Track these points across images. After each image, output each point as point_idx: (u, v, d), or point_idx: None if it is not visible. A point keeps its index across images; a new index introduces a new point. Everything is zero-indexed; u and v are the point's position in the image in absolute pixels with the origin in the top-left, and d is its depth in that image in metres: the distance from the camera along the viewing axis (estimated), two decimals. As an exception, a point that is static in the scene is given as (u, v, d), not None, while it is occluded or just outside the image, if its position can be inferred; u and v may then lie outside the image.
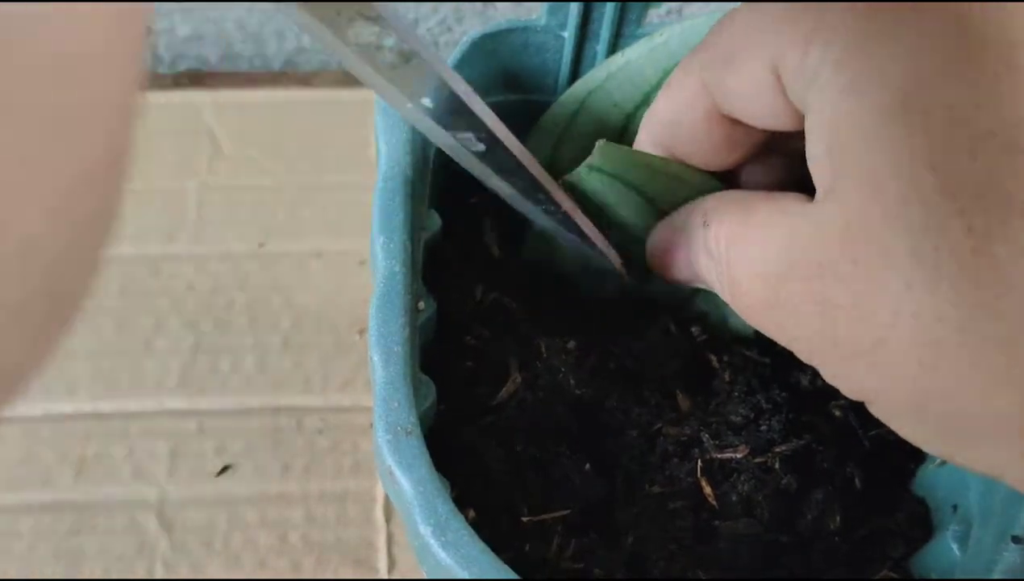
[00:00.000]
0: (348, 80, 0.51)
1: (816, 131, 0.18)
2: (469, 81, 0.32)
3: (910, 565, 0.26)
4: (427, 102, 0.22)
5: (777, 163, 0.24)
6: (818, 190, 0.18)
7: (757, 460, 0.26)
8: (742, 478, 0.26)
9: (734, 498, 0.26)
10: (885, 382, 0.18)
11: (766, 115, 0.20)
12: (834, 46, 0.17)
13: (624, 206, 0.25)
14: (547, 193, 0.25)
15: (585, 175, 0.24)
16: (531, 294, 0.29)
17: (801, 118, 0.19)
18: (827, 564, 0.26)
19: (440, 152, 0.32)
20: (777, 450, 0.27)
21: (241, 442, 0.36)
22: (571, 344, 0.28)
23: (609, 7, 0.31)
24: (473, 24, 0.52)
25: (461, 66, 0.31)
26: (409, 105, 0.22)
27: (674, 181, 0.24)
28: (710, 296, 0.27)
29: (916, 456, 0.28)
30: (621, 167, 0.24)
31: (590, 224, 0.26)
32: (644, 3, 0.31)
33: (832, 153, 0.17)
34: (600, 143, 0.24)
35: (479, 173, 0.25)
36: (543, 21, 0.31)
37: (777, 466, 0.26)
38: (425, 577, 0.22)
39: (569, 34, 0.31)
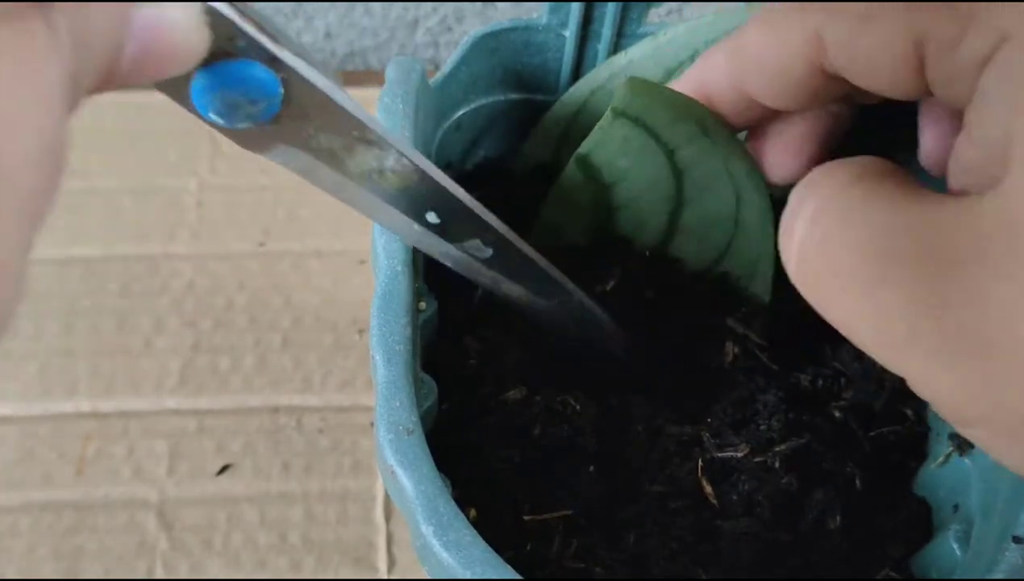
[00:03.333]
0: (348, 79, 0.50)
1: (987, 118, 0.17)
2: (470, 80, 0.32)
3: (911, 565, 0.26)
4: (432, 218, 0.22)
5: (817, 114, 0.23)
6: (966, 174, 0.17)
7: (757, 459, 0.26)
8: (742, 477, 0.26)
9: (734, 497, 0.26)
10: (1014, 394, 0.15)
11: (886, 82, 0.19)
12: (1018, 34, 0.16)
13: (643, 167, 0.25)
14: (559, 284, 0.25)
15: (609, 125, 0.24)
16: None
17: (923, 91, 0.18)
18: (828, 564, 0.26)
19: (440, 149, 0.32)
20: (777, 449, 0.27)
21: (241, 441, 0.36)
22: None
23: (610, 6, 0.31)
24: (473, 24, 0.52)
25: (462, 65, 0.31)
26: (416, 227, 0.22)
27: (696, 129, 0.24)
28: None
29: (917, 455, 0.28)
30: (647, 105, 0.24)
31: (598, 309, 0.26)
32: (645, 3, 0.31)
33: (1013, 143, 0.16)
34: (630, 77, 0.24)
35: (489, 282, 0.25)
36: (544, 20, 0.31)
37: (777, 465, 0.26)
38: (426, 576, 0.22)
39: (570, 33, 0.31)
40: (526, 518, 0.25)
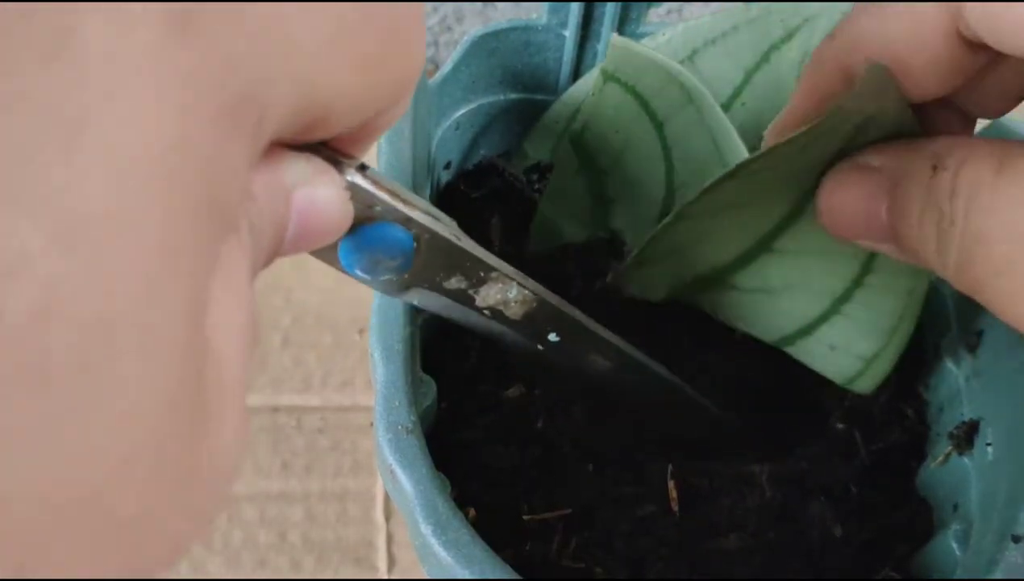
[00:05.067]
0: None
1: None
2: (470, 79, 0.32)
3: (911, 564, 0.26)
4: (553, 337, 0.24)
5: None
6: None
7: (744, 475, 0.27)
8: (740, 491, 0.26)
9: (725, 510, 0.26)
10: None
11: None
12: None
13: (635, 145, 0.25)
14: (670, 382, 0.26)
15: (600, 90, 0.24)
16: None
17: None
18: (829, 565, 0.26)
19: (440, 149, 0.32)
20: (772, 466, 0.27)
21: (241, 441, 0.36)
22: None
23: (610, 7, 0.31)
24: (473, 24, 0.52)
25: (461, 65, 0.31)
26: (539, 347, 0.24)
27: (682, 94, 0.24)
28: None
29: (917, 455, 0.28)
30: (636, 67, 0.24)
31: (701, 398, 0.27)
32: (645, 3, 0.31)
33: None
34: (614, 38, 0.24)
35: (614, 394, 0.26)
36: (544, 20, 0.31)
37: (765, 479, 0.26)
38: (425, 575, 0.22)
39: (570, 33, 0.31)
40: (525, 518, 0.25)
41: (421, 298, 0.21)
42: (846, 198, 0.21)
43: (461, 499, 0.23)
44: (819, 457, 0.27)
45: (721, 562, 0.25)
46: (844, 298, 0.25)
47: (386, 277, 0.19)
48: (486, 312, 0.22)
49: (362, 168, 0.16)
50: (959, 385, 0.28)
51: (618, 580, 0.25)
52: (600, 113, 0.25)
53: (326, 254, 0.18)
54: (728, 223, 0.24)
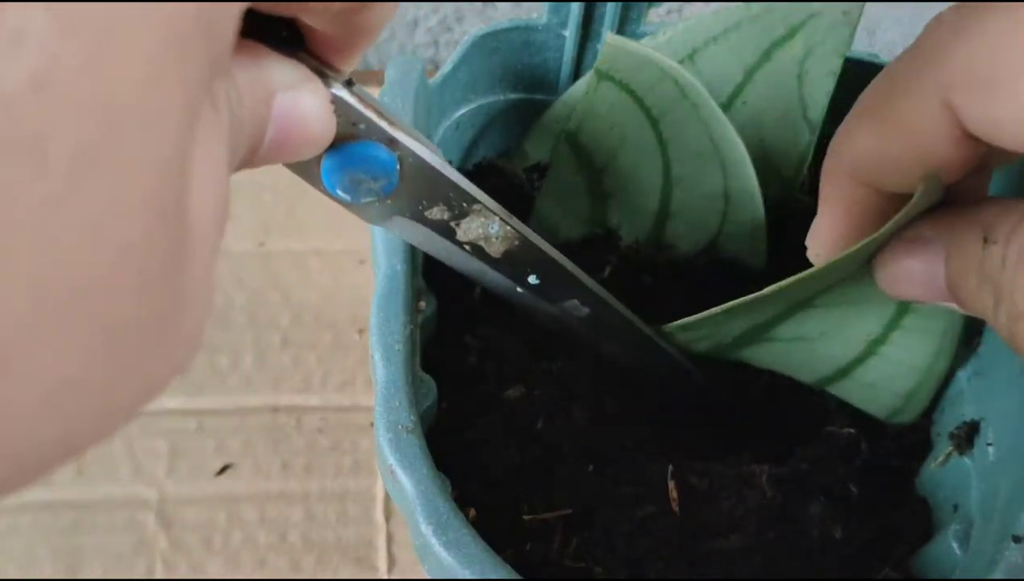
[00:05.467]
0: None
1: None
2: (470, 79, 0.32)
3: (911, 564, 0.26)
4: (533, 279, 0.23)
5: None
6: None
7: (746, 478, 0.26)
8: (733, 494, 0.26)
9: (724, 512, 0.26)
10: None
11: None
12: None
13: (631, 142, 0.25)
14: (653, 340, 0.26)
15: (595, 90, 0.24)
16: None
17: None
18: (829, 565, 0.26)
19: (440, 148, 0.32)
20: (772, 467, 0.27)
21: (240, 441, 0.36)
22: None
23: (610, 6, 0.31)
24: (473, 24, 0.52)
25: (462, 65, 0.31)
26: (519, 290, 0.23)
27: (676, 90, 0.24)
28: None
29: (918, 456, 0.28)
30: (630, 65, 0.24)
31: (687, 362, 0.27)
32: (646, 2, 0.31)
33: None
34: (608, 36, 0.24)
35: (587, 342, 0.26)
36: (544, 20, 0.31)
37: (765, 481, 0.26)
38: (425, 575, 0.22)
39: (570, 33, 0.31)
40: (526, 518, 0.25)
41: (403, 229, 0.21)
42: (904, 269, 0.21)
43: (461, 499, 0.23)
44: (819, 457, 0.27)
45: (721, 562, 0.25)
46: (880, 341, 0.26)
47: (367, 200, 0.19)
48: (467, 247, 0.22)
49: (349, 83, 0.16)
50: (961, 385, 0.28)
51: (618, 580, 0.25)
52: (595, 112, 0.25)
53: (308, 171, 0.18)
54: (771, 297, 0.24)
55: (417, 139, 0.18)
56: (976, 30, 0.17)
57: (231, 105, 0.13)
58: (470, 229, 0.21)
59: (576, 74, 0.32)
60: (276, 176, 0.44)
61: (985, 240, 0.18)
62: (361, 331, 0.40)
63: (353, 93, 0.16)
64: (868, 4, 0.26)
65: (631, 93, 0.25)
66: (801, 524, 0.26)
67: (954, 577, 0.25)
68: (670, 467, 0.26)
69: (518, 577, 0.20)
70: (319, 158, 0.17)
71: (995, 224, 0.18)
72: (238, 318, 0.40)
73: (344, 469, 0.36)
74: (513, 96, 0.33)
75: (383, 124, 0.17)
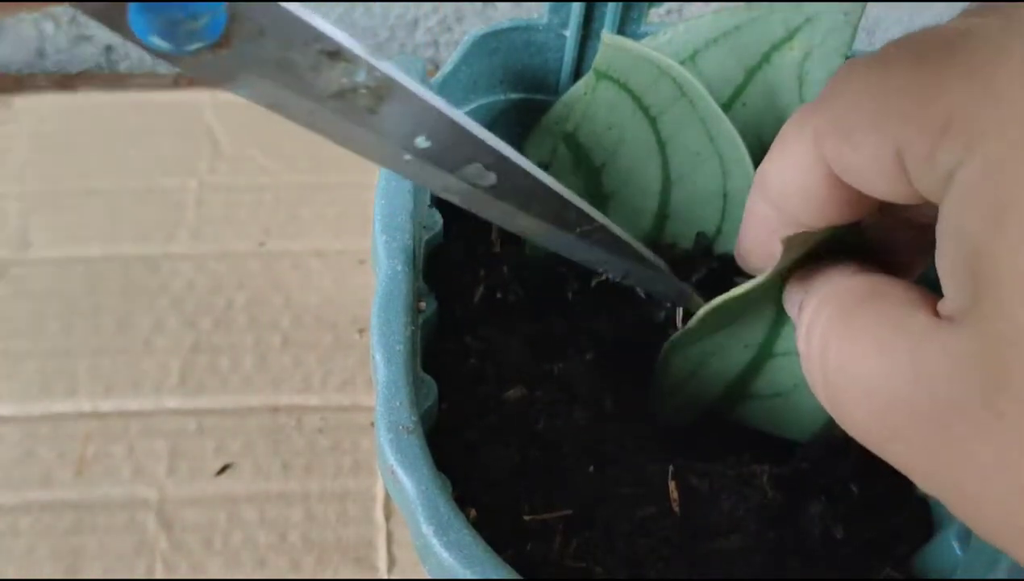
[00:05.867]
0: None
1: (951, 238, 0.15)
2: (470, 80, 0.32)
3: (912, 564, 0.26)
4: (422, 142, 0.19)
5: (889, 223, 0.21)
6: (947, 301, 0.16)
7: (747, 477, 0.26)
8: (733, 494, 0.26)
9: (724, 511, 0.26)
10: None
11: (888, 193, 0.17)
12: (978, 152, 0.14)
13: (630, 141, 0.25)
14: (578, 210, 0.23)
15: (593, 89, 0.24)
16: (534, 290, 0.29)
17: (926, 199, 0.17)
18: (830, 565, 0.26)
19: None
20: (773, 467, 0.27)
21: (241, 441, 0.36)
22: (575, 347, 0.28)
23: (611, 6, 0.31)
24: (473, 24, 0.52)
25: (462, 65, 0.31)
26: (406, 157, 0.20)
27: (675, 88, 0.24)
28: None
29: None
30: (628, 64, 0.24)
31: (626, 235, 0.24)
32: (646, 3, 0.31)
33: (971, 270, 0.14)
34: (605, 36, 0.24)
35: (501, 216, 0.23)
36: (545, 20, 0.31)
37: (766, 481, 0.26)
38: (426, 576, 0.22)
39: (571, 33, 0.31)
40: (526, 518, 0.25)
41: (252, 89, 0.17)
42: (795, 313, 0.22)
43: (462, 500, 0.23)
44: (819, 457, 0.27)
45: (721, 562, 0.25)
46: None
47: (195, 47, 0.15)
48: (332, 104, 0.18)
49: None
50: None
51: (618, 580, 0.25)
52: (594, 112, 0.25)
53: (115, 18, 0.14)
54: (727, 339, 0.25)
55: None
56: (844, 79, 0.18)
57: None
58: (331, 79, 0.17)
59: (577, 74, 0.32)
60: (277, 176, 0.44)
61: (801, 307, 0.20)
62: (361, 331, 0.40)
63: None
64: (868, 4, 0.27)
65: (629, 92, 0.25)
66: (802, 524, 0.26)
67: (955, 577, 0.25)
68: (670, 467, 0.26)
69: (519, 577, 0.20)
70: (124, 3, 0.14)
71: (811, 290, 0.20)
72: (238, 318, 0.40)
73: (344, 469, 0.36)
74: (513, 96, 0.33)
75: None
